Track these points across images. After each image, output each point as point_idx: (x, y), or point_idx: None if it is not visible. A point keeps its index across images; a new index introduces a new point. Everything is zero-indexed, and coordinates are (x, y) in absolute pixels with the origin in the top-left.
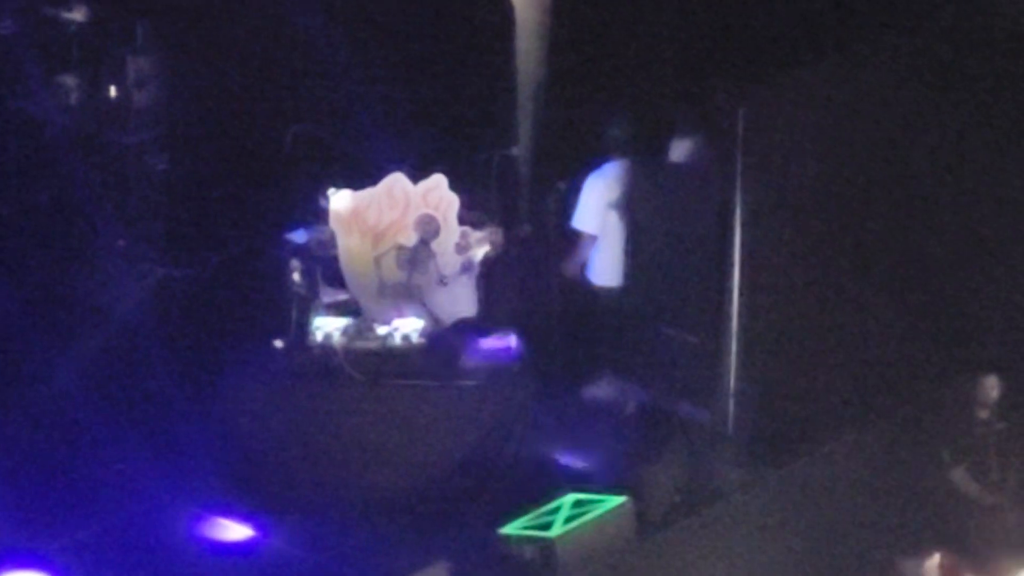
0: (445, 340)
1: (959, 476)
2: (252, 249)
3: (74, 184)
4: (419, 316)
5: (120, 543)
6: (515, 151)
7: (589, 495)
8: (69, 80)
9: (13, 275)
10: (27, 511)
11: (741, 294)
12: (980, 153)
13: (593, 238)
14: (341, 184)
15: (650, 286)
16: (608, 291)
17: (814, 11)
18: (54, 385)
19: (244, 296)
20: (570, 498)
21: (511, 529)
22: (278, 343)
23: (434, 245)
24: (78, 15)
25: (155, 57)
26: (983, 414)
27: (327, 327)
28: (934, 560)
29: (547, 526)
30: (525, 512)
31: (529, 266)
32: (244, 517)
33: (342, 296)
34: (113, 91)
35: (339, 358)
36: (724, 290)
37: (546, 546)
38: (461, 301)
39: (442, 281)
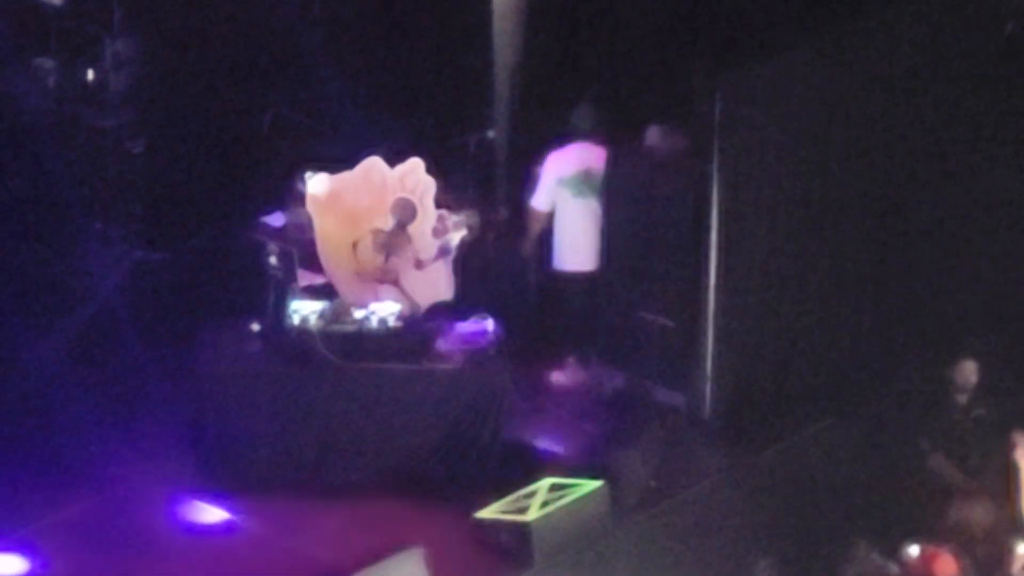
0: (422, 324)
1: (937, 463)
2: (229, 232)
3: (50, 167)
4: (396, 300)
5: (96, 526)
6: (492, 135)
7: (565, 479)
8: (46, 63)
9: None
10: (2, 494)
11: (718, 279)
12: (957, 142)
13: (542, 214)
14: (318, 167)
15: (627, 270)
16: (583, 275)
17: None
18: (29, 368)
19: (221, 279)
20: (546, 482)
21: (487, 513)
22: (255, 326)
23: (411, 229)
24: None
25: (132, 40)
26: (961, 400)
27: (304, 310)
28: (913, 548)
29: (523, 510)
30: (501, 496)
31: (506, 250)
32: (220, 500)
33: (319, 279)
34: (90, 74)
35: (315, 341)
36: (701, 275)
37: (522, 530)
38: (438, 285)
39: (419, 265)
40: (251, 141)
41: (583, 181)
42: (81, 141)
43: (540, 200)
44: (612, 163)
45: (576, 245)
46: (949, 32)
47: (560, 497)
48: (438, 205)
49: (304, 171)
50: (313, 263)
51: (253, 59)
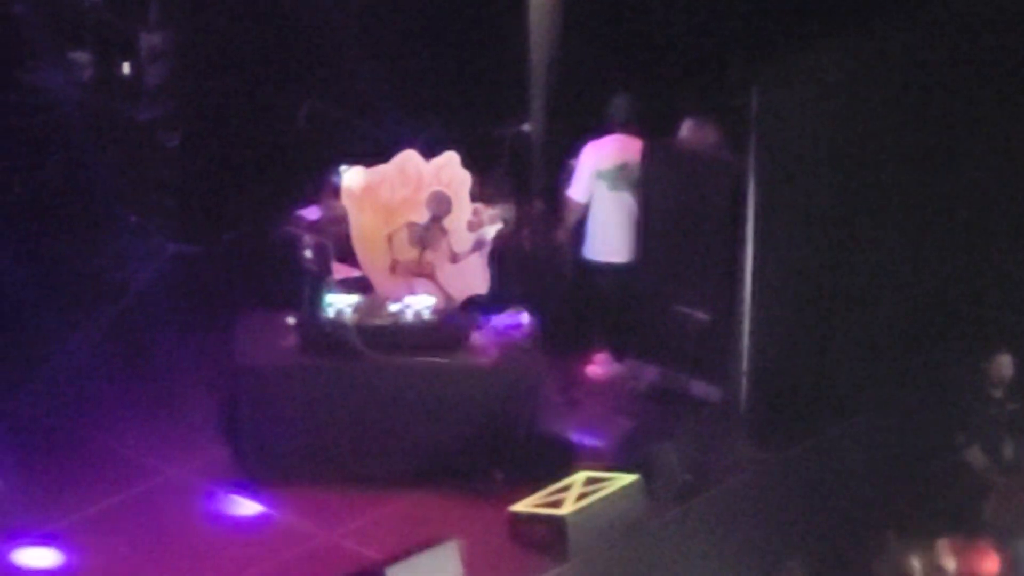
0: (456, 317)
1: (972, 456)
2: (264, 226)
3: (86, 161)
4: (431, 293)
5: (130, 519)
6: (527, 128)
7: (600, 473)
8: (82, 57)
9: (26, 251)
10: (37, 487)
11: (754, 273)
12: (997, 135)
13: (579, 205)
14: (354, 161)
15: (663, 264)
16: (615, 266)
17: None
18: (65, 360)
19: (256, 273)
20: (581, 476)
21: (522, 507)
22: (290, 319)
23: (446, 222)
24: None
25: (168, 33)
26: (996, 393)
27: (339, 303)
28: (945, 541)
29: (558, 504)
30: (536, 490)
31: (541, 243)
32: (256, 492)
33: (354, 273)
34: (126, 68)
35: (351, 334)
36: (737, 269)
37: (558, 524)
38: (473, 278)
39: (454, 258)
40: (286, 134)
41: (619, 174)
42: (117, 135)
43: (577, 191)
44: (648, 156)
45: (608, 237)
46: (990, 23)
47: (595, 491)
48: (473, 198)
49: (339, 164)
50: (348, 256)
51: (289, 52)
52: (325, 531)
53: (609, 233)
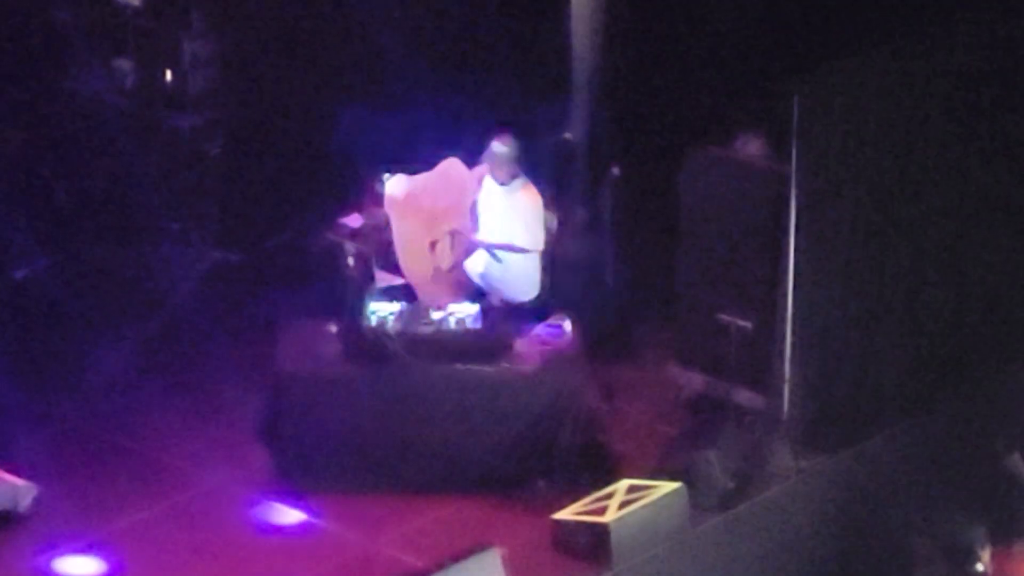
0: (499, 325)
1: (1013, 463)
2: (306, 233)
3: (129, 168)
4: (473, 301)
5: (173, 527)
6: (570, 136)
7: (643, 480)
8: (125, 64)
9: (69, 258)
10: (80, 495)
11: (796, 280)
12: None
13: None
14: (396, 168)
15: (705, 272)
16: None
17: None
18: (109, 368)
19: (298, 280)
20: (624, 483)
21: (565, 514)
22: (332, 327)
23: None
24: None
25: (210, 40)
26: None
27: (381, 311)
28: (987, 549)
29: (601, 511)
30: (579, 497)
31: (584, 251)
32: (299, 500)
33: (396, 280)
34: (168, 75)
35: (393, 342)
36: (779, 276)
37: (600, 531)
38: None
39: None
40: (328, 141)
41: None
42: (159, 142)
43: None
44: (690, 165)
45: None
46: None
47: (638, 498)
48: None
49: (382, 172)
50: (391, 264)
51: (331, 58)
52: (367, 539)
53: None
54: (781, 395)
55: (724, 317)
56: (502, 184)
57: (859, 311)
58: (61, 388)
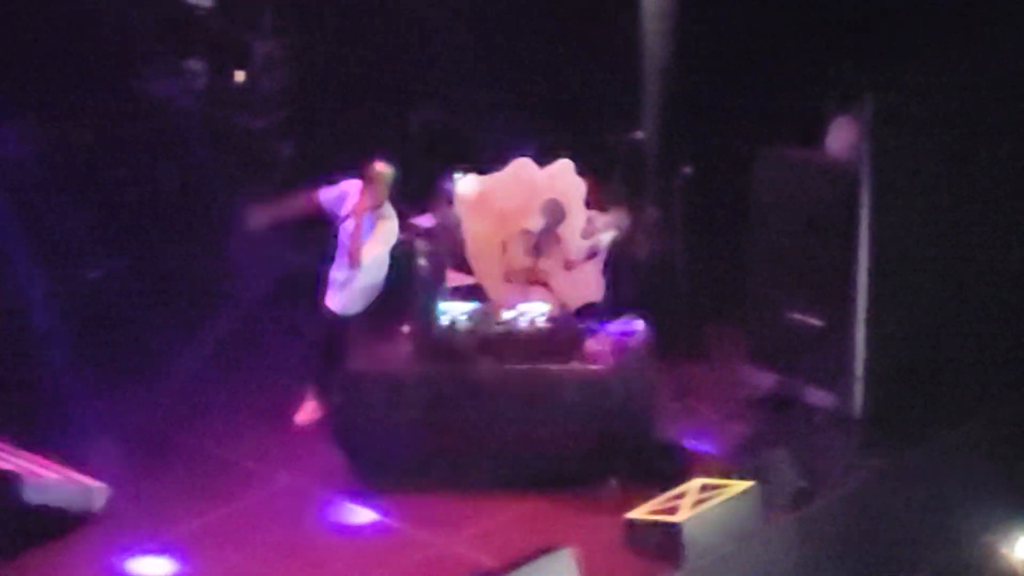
0: (571, 324)
1: None
2: None
3: (202, 169)
4: (545, 300)
5: (245, 528)
6: (641, 135)
7: (715, 480)
8: (196, 65)
9: (141, 259)
10: (152, 497)
11: (869, 278)
12: None
13: None
14: (468, 168)
15: (777, 270)
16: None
17: None
18: (181, 369)
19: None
20: (696, 483)
21: (638, 514)
22: (404, 327)
23: (560, 230)
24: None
25: (281, 42)
26: None
27: (453, 311)
28: None
29: (674, 511)
30: (651, 497)
31: (655, 250)
32: (370, 500)
33: (468, 280)
34: (240, 76)
35: (465, 342)
36: (851, 274)
37: (673, 531)
38: (587, 286)
39: (568, 265)
40: (400, 142)
41: None
42: (231, 143)
43: None
44: (761, 164)
45: None
46: None
47: (710, 498)
48: (587, 206)
49: (454, 172)
50: (462, 264)
51: (402, 59)
52: (440, 538)
53: None
54: (853, 393)
55: (796, 316)
56: None
57: (931, 308)
58: (133, 389)
